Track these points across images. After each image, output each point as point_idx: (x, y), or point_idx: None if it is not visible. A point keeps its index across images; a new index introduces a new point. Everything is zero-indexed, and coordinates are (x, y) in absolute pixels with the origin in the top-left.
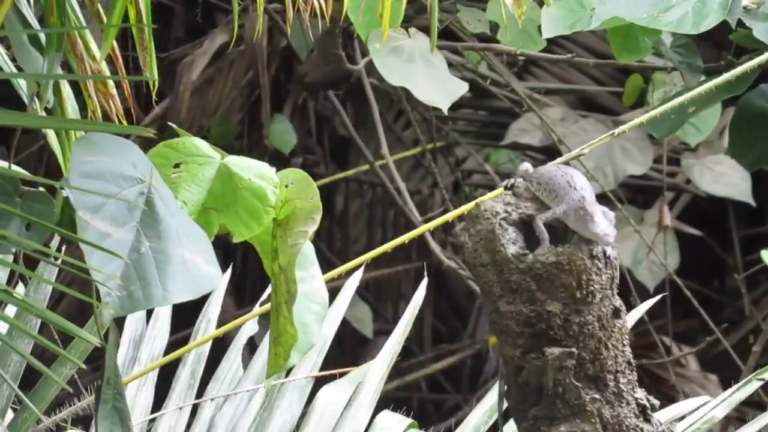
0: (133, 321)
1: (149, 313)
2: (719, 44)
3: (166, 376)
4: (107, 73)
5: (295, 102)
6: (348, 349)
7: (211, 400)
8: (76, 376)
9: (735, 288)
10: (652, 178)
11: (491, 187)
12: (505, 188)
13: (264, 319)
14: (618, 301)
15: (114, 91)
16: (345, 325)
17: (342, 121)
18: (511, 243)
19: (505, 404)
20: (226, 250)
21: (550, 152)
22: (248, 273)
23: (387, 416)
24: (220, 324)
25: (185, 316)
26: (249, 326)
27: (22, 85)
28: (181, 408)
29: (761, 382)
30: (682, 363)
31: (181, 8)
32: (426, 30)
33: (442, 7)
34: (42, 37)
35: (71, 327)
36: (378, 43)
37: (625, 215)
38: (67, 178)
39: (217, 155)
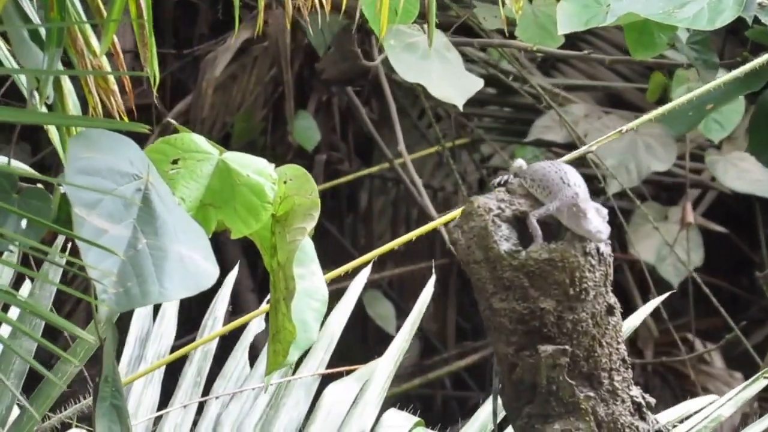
0: (140, 319)
1: (156, 311)
2: (744, 41)
3: (172, 374)
4: (108, 68)
5: (320, 98)
6: (372, 347)
7: (216, 398)
8: (85, 372)
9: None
10: (677, 175)
11: None
12: (498, 185)
13: None
14: (612, 299)
15: (115, 87)
16: (369, 323)
17: (360, 117)
18: (504, 240)
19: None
20: (248, 247)
21: (573, 149)
22: None
23: (393, 414)
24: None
25: (192, 314)
26: (255, 324)
27: (23, 80)
28: (185, 406)
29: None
30: (707, 360)
31: (206, 5)
32: (442, 26)
33: (459, 3)
34: (42, 32)
35: (69, 326)
36: (393, 40)
37: (644, 212)
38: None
39: (215, 151)
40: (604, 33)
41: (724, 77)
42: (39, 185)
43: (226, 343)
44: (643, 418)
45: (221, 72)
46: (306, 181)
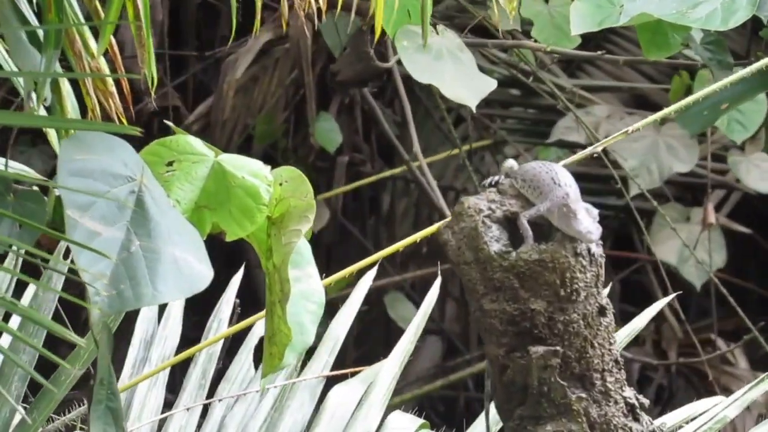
0: (144, 321)
1: (160, 313)
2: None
3: (177, 376)
4: (106, 70)
5: (342, 100)
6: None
7: (219, 400)
8: (92, 371)
9: None
10: (701, 175)
11: None
12: (489, 185)
13: None
14: (604, 300)
15: (113, 89)
16: (391, 325)
17: (377, 118)
18: (495, 241)
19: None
20: None
21: None
22: None
23: (398, 416)
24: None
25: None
26: (260, 326)
27: (20, 82)
28: (188, 409)
29: None
30: (731, 361)
31: (227, 7)
32: (460, 27)
33: (476, 4)
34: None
35: (66, 333)
36: (406, 41)
37: (661, 213)
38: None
39: (210, 153)
40: (628, 33)
41: (730, 77)
42: (34, 188)
43: (234, 344)
44: (636, 419)
45: (242, 74)
46: (302, 183)
